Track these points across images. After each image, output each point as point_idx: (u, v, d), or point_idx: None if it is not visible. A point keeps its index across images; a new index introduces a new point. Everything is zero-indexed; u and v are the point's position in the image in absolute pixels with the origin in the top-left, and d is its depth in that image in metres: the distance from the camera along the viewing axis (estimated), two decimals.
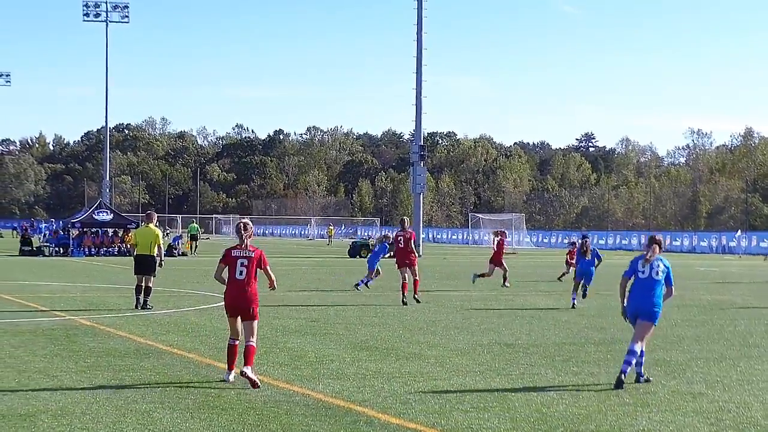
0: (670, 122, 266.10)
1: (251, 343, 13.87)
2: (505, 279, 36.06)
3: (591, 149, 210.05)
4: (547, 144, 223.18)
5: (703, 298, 31.94)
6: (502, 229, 39.24)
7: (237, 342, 14.10)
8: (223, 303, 14.46)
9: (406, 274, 28.00)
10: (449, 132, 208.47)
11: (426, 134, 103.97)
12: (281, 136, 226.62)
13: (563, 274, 41.25)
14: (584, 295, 28.65)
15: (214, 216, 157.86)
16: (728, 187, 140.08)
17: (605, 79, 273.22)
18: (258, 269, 14.15)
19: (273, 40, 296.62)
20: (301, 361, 15.78)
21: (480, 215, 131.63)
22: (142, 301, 24.91)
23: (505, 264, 36.90)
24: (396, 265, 28.60)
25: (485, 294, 32.28)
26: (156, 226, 26.27)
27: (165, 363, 15.48)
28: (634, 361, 14.09)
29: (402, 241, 28.64)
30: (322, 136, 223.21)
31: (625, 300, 14.75)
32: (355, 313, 24.52)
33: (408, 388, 13.39)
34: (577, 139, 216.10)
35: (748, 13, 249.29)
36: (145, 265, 25.17)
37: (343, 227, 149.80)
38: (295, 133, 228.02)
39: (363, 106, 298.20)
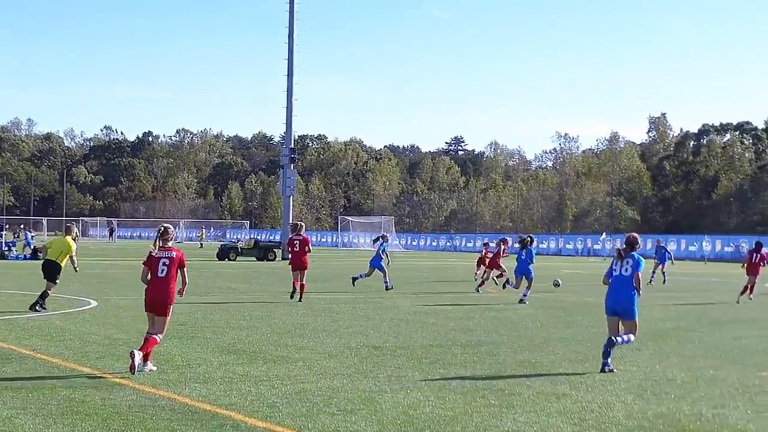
0: (538, 126, 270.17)
1: (157, 338, 15.23)
2: (505, 280, 37.58)
3: (460, 153, 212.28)
4: (417, 147, 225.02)
5: (569, 300, 32.43)
6: (505, 237, 40.74)
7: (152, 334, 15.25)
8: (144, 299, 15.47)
9: (298, 276, 29.59)
10: (320, 135, 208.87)
11: (296, 137, 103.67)
12: (150, 138, 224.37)
13: (484, 276, 41.67)
14: (504, 286, 32.06)
15: (81, 219, 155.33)
16: (594, 191, 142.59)
17: (475, 83, 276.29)
18: (178, 270, 15.44)
19: (142, 41, 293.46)
20: (168, 365, 15.57)
21: (350, 218, 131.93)
22: (36, 301, 25.16)
23: (502, 266, 38.73)
24: (290, 268, 30.25)
25: (354, 297, 32.31)
26: (74, 239, 26.63)
27: (28, 368, 15.15)
28: (611, 349, 15.72)
29: (297, 245, 30.12)
30: (192, 138, 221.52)
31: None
32: (222, 316, 24.33)
33: (275, 391, 13.32)
34: (446, 143, 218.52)
35: (612, 18, 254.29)
36: (48, 270, 25.55)
37: (212, 230, 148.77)
38: (164, 135, 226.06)
39: (233, 109, 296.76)
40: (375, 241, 39.54)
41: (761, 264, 35.27)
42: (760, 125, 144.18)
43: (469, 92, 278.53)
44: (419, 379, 14.62)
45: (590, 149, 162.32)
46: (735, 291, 38.83)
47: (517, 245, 33.93)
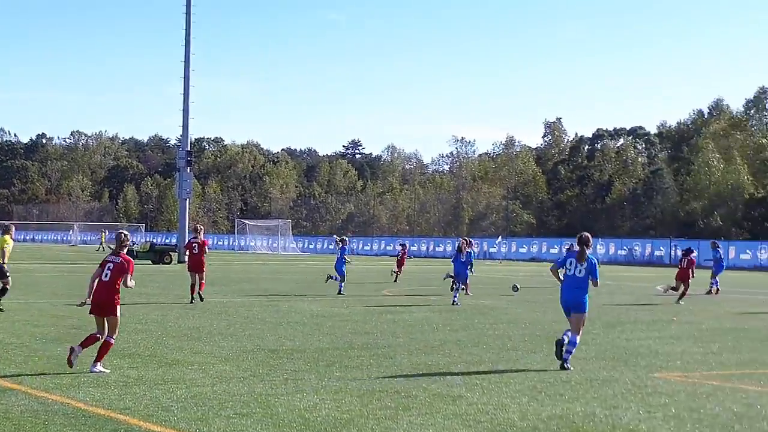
0: (435, 130, 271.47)
1: (111, 340, 15.66)
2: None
3: (357, 156, 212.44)
4: (314, 151, 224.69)
5: (465, 303, 32.61)
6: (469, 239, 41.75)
7: (99, 336, 15.66)
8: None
9: (196, 278, 30.52)
10: (217, 137, 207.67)
11: (193, 140, 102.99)
12: (44, 140, 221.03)
13: (396, 276, 47.72)
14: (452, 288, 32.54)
15: None
16: (490, 195, 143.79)
17: (372, 87, 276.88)
18: (123, 275, 15.65)
19: (36, 41, 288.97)
20: (62, 369, 15.35)
21: (246, 221, 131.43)
22: None
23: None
24: (187, 269, 31.08)
25: (250, 300, 32.18)
26: (12, 238, 27.22)
27: None
28: (566, 341, 16.77)
29: (196, 248, 31.34)
30: (87, 140, 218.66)
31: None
32: None
33: (170, 395, 13.20)
34: (344, 146, 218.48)
35: (507, 22, 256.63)
36: None
37: (107, 233, 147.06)
38: (58, 137, 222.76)
39: (129, 111, 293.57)
40: (337, 245, 40.35)
41: (690, 269, 36.25)
42: (653, 130, 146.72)
43: (367, 96, 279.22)
44: (315, 382, 14.60)
45: (486, 153, 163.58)
46: (628, 293, 39.49)
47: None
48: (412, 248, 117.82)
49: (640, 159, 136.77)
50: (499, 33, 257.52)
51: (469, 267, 34.25)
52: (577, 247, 17.67)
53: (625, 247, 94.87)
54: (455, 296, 31.86)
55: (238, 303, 30.73)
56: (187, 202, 79.26)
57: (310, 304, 31.10)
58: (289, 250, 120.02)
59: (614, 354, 18.70)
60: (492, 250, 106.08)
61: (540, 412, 12.46)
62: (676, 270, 37.10)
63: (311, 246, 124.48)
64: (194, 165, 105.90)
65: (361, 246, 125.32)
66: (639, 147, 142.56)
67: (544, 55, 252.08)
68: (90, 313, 15.79)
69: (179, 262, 66.91)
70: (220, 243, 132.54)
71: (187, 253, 31.73)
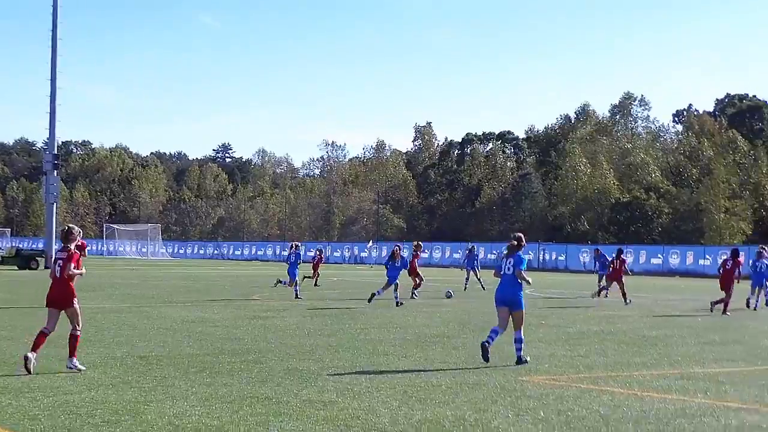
0: (306, 134, 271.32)
1: (77, 333, 16.31)
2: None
3: (228, 160, 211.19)
4: (184, 154, 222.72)
5: (336, 308, 32.65)
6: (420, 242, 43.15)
7: (48, 332, 16.24)
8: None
9: None
10: (84, 141, 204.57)
11: (60, 143, 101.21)
12: None
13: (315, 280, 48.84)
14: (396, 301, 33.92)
15: None
16: (361, 199, 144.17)
17: (242, 90, 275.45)
18: (67, 264, 16.23)
19: None
20: None
21: (115, 226, 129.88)
22: None
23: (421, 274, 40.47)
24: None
25: (119, 306, 31.81)
26: None
27: None
28: (496, 336, 18.17)
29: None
30: None
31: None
32: None
33: (37, 403, 12.96)
34: (214, 150, 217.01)
35: (377, 27, 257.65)
36: None
37: None
38: None
39: None
40: (291, 250, 40.84)
41: (622, 269, 37.82)
42: (521, 135, 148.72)
43: (237, 99, 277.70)
44: (185, 388, 14.47)
45: (357, 157, 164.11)
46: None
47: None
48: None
49: (508, 163, 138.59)
50: (369, 36, 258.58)
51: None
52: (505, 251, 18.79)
53: (494, 251, 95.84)
54: (395, 295, 34.36)
55: (107, 309, 30.32)
56: (54, 206, 77.92)
57: (180, 309, 30.82)
58: (159, 254, 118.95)
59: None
60: (363, 254, 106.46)
61: (411, 416, 12.52)
62: (606, 272, 39.04)
63: (181, 251, 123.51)
64: (61, 169, 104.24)
65: (231, 251, 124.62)
66: (508, 151, 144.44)
67: (414, 59, 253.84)
68: (47, 306, 16.33)
69: (46, 267, 65.80)
70: (88, 248, 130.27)
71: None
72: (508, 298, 18.37)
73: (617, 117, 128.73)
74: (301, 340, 21.79)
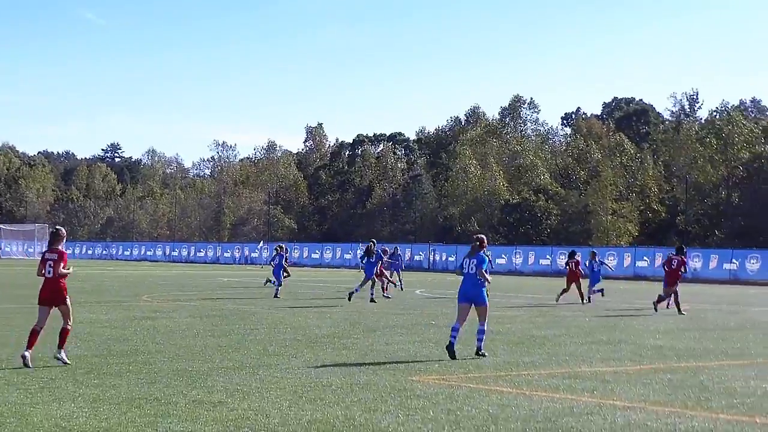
0: (196, 134, 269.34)
1: (68, 327, 17.51)
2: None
3: (117, 160, 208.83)
4: (72, 154, 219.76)
5: (226, 308, 32.50)
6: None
7: (40, 329, 17.34)
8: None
9: None
10: None
11: None
12: None
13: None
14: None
15: None
16: (251, 199, 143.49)
17: (132, 89, 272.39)
18: (58, 265, 17.35)
19: None
20: None
21: (2, 226, 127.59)
22: None
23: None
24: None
25: (3, 307, 31.29)
26: None
27: None
28: (458, 333, 19.34)
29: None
30: None
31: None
32: None
33: None
34: (102, 150, 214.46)
35: (264, 27, 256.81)
36: None
37: None
38: None
39: None
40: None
41: (578, 270, 39.46)
42: (412, 136, 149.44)
43: (126, 98, 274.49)
44: (72, 390, 14.28)
45: (248, 158, 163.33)
46: (387, 299, 40.10)
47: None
48: (173, 253, 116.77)
49: (399, 165, 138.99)
50: (260, 36, 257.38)
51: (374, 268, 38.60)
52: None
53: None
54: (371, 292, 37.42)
55: None
56: None
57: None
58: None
59: (374, 358, 18.90)
60: (254, 255, 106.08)
61: (301, 417, 12.50)
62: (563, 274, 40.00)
63: (69, 251, 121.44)
64: None
65: (120, 251, 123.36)
66: (399, 153, 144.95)
67: (305, 60, 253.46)
68: (40, 304, 17.47)
69: None
70: None
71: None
72: (472, 295, 19.66)
73: (507, 119, 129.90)
74: (190, 340, 21.64)
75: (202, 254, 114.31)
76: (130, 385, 14.85)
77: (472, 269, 19.62)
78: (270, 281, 41.76)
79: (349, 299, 36.39)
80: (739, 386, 15.89)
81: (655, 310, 34.10)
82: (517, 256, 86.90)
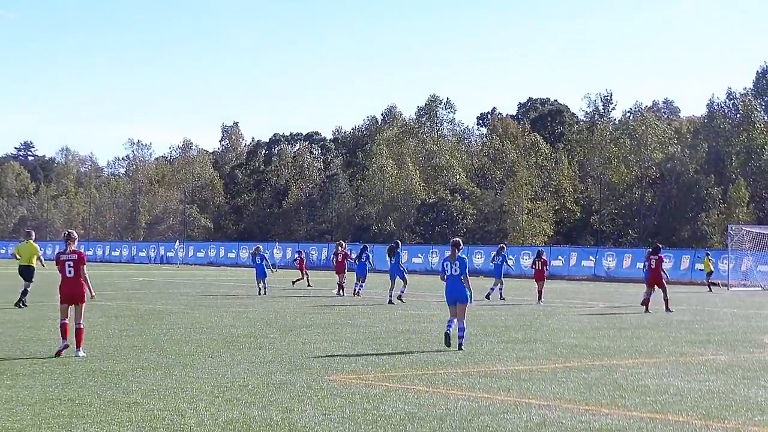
0: (110, 132, 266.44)
1: (82, 326, 18.82)
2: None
3: (30, 158, 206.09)
4: None
5: (142, 308, 32.27)
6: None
7: (67, 321, 18.75)
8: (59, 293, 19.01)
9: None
10: None
11: None
12: None
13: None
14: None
15: None
16: (167, 198, 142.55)
17: (45, 86, 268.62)
18: (80, 266, 18.88)
19: None
20: None
21: None
22: (20, 299, 31.99)
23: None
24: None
25: None
26: (34, 242, 33.87)
27: None
28: (453, 326, 21.06)
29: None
30: None
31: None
32: None
33: None
34: (15, 148, 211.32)
35: (176, 25, 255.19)
36: (25, 273, 32.77)
37: None
38: None
39: None
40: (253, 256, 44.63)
41: (545, 270, 40.23)
42: (329, 136, 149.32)
43: (39, 96, 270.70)
44: None
45: (163, 157, 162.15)
46: (304, 297, 40.08)
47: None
48: (88, 252, 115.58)
49: (316, 164, 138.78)
50: (175, 33, 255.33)
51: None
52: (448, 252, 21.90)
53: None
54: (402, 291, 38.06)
55: None
56: None
57: None
58: None
59: (291, 358, 18.88)
60: (170, 254, 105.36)
61: (217, 416, 12.46)
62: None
63: None
64: None
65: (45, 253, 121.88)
66: (315, 152, 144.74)
67: (220, 58, 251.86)
68: (63, 303, 18.92)
69: None
70: None
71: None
72: (457, 296, 21.31)
73: (423, 119, 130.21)
74: (104, 341, 21.46)
75: (117, 253, 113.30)
76: (44, 386, 14.70)
77: (456, 271, 21.35)
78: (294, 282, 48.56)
79: (391, 303, 36.98)
80: (653, 384, 16.12)
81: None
82: (434, 255, 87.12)
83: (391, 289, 37.91)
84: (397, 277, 38.19)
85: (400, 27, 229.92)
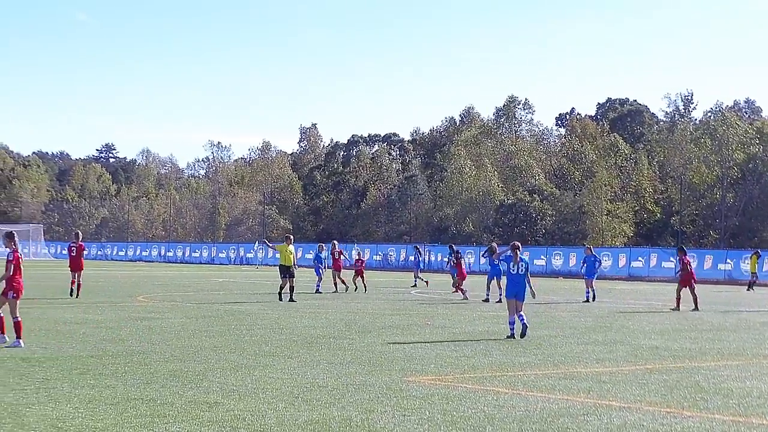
0: (190, 134, 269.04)
1: (19, 318, 20.05)
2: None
3: (112, 160, 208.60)
4: (67, 154, 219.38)
5: (222, 309, 32.47)
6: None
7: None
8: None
9: (76, 276, 37.40)
10: None
11: None
12: None
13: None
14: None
15: None
16: (246, 200, 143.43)
17: (126, 90, 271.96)
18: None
19: None
20: None
21: None
22: (288, 296, 36.72)
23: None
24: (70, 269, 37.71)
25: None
26: (292, 243, 38.20)
27: None
28: (515, 324, 23.38)
29: (74, 250, 38.22)
30: None
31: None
32: None
33: None
34: (97, 150, 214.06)
35: (259, 27, 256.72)
36: (288, 271, 36.94)
37: None
38: None
39: None
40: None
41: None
42: (407, 137, 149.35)
43: (120, 99, 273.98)
44: (68, 390, 14.26)
45: (243, 158, 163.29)
46: (383, 298, 40.05)
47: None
48: (168, 254, 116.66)
49: (394, 165, 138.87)
50: (255, 36, 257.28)
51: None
52: (510, 252, 24.21)
53: (380, 253, 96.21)
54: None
55: None
56: None
57: (62, 311, 30.36)
58: (40, 255, 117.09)
59: (370, 359, 18.89)
60: (249, 255, 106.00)
61: (297, 417, 12.50)
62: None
63: (64, 251, 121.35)
64: None
65: (116, 251, 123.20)
66: (393, 153, 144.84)
67: (299, 60, 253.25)
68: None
69: None
70: None
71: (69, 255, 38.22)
72: (520, 293, 23.66)
73: (501, 120, 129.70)
74: (185, 341, 21.63)
75: (197, 254, 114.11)
76: (126, 385, 14.84)
77: (521, 270, 23.76)
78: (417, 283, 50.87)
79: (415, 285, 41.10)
80: (735, 387, 15.91)
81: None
82: None
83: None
84: (495, 278, 38.62)
85: (479, 27, 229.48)
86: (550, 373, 17.22)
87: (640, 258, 78.93)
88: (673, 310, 35.39)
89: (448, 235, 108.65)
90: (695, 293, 35.99)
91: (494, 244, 40.84)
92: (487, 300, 38.93)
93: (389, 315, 31.25)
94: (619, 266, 78.23)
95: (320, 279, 44.87)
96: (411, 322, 28.62)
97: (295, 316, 29.49)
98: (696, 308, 35.31)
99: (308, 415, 12.62)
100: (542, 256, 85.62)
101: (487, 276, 40.79)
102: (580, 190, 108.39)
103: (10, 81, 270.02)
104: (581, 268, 43.26)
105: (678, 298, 36.08)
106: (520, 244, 24.60)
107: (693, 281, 36.19)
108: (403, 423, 12.26)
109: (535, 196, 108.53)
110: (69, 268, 37.95)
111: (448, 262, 45.70)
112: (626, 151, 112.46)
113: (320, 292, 43.30)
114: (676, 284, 36.99)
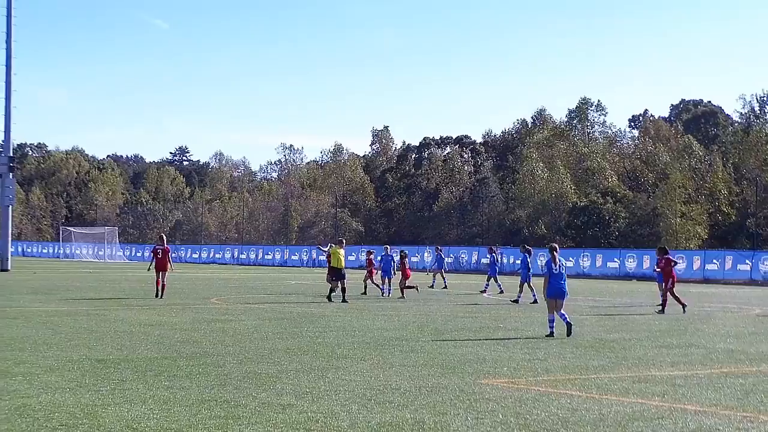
0: (263, 137, 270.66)
1: None
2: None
3: (185, 163, 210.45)
4: (141, 157, 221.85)
5: (294, 311, 32.61)
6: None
7: None
8: None
9: (161, 277, 38.71)
10: (40, 143, 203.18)
11: (15, 145, 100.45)
12: None
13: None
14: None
15: None
16: (319, 202, 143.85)
17: (199, 94, 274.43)
18: None
19: None
20: None
21: (72, 228, 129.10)
22: (341, 297, 37.98)
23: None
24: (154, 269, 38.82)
25: (76, 309, 31.57)
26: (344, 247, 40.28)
27: None
28: (554, 323, 24.31)
29: (160, 252, 38.90)
30: None
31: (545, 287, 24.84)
32: None
33: None
34: (171, 153, 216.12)
35: (328, 30, 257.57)
36: (338, 273, 38.62)
37: None
38: None
39: None
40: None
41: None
42: (479, 139, 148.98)
43: (194, 103, 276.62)
44: (143, 391, 14.41)
45: (315, 161, 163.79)
46: (455, 301, 40.03)
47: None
48: (241, 256, 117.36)
49: (466, 167, 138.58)
50: (323, 39, 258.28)
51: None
52: (550, 255, 24.96)
53: (452, 255, 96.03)
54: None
55: (64, 312, 30.11)
56: (10, 209, 77.20)
57: (137, 312, 30.66)
58: (116, 257, 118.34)
59: (443, 361, 18.88)
60: (321, 258, 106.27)
61: (370, 419, 12.53)
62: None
63: (138, 254, 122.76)
64: (17, 171, 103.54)
65: (189, 254, 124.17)
66: (465, 156, 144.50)
67: (371, 63, 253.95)
68: None
69: (2, 270, 65.79)
70: (44, 251, 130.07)
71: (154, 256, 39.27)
72: (561, 292, 24.70)
73: (574, 122, 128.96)
74: (259, 343, 21.74)
75: (270, 257, 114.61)
76: (200, 387, 14.96)
77: (562, 269, 24.81)
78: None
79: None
80: None
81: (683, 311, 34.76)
82: (585, 259, 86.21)
83: None
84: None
85: (551, 28, 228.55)
86: (624, 377, 17.11)
87: (714, 260, 78.03)
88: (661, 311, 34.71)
89: (520, 237, 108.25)
90: (668, 295, 34.89)
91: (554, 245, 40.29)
92: (516, 301, 39.58)
93: (461, 317, 31.21)
94: (694, 269, 77.41)
95: (389, 282, 45.24)
96: (483, 324, 28.56)
97: (368, 319, 29.54)
98: (662, 311, 34.45)
99: (381, 418, 12.64)
100: (615, 259, 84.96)
101: (519, 277, 41.13)
102: (653, 192, 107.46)
103: (87, 85, 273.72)
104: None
105: (676, 299, 34.93)
106: (557, 246, 25.77)
107: (672, 281, 35.09)
108: (476, 426, 12.24)
109: (608, 198, 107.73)
110: (154, 270, 38.99)
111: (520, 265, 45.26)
112: (700, 153, 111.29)
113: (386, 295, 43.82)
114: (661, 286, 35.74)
